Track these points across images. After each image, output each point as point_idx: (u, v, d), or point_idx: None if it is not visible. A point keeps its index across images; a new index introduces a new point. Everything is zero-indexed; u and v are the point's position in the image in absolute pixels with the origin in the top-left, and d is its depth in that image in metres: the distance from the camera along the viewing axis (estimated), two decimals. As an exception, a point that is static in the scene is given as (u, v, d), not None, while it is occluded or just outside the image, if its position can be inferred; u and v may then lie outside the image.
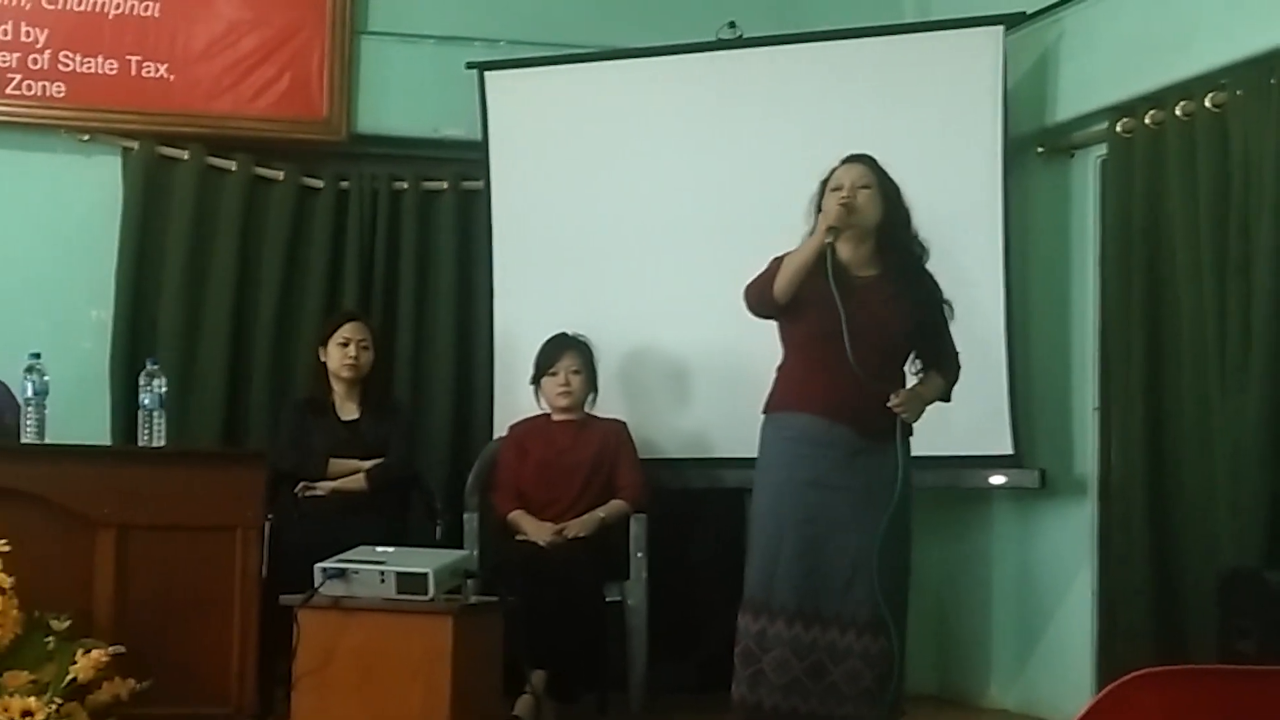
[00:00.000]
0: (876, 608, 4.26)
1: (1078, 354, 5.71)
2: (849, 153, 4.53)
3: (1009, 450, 5.58)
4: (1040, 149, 5.82)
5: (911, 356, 4.51)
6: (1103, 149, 5.57)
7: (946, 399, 4.57)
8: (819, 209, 4.46)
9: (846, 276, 4.34)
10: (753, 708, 4.32)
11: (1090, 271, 5.65)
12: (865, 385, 4.24)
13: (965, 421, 5.36)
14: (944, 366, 4.54)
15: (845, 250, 4.39)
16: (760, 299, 4.43)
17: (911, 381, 4.50)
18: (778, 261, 4.45)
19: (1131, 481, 5.25)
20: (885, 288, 4.40)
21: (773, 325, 4.51)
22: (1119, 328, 5.39)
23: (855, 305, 4.27)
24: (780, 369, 4.53)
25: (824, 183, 4.49)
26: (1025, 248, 5.79)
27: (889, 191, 4.46)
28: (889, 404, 4.33)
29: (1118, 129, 5.39)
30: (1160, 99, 5.24)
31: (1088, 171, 5.71)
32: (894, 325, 4.38)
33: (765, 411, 4.51)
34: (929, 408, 4.50)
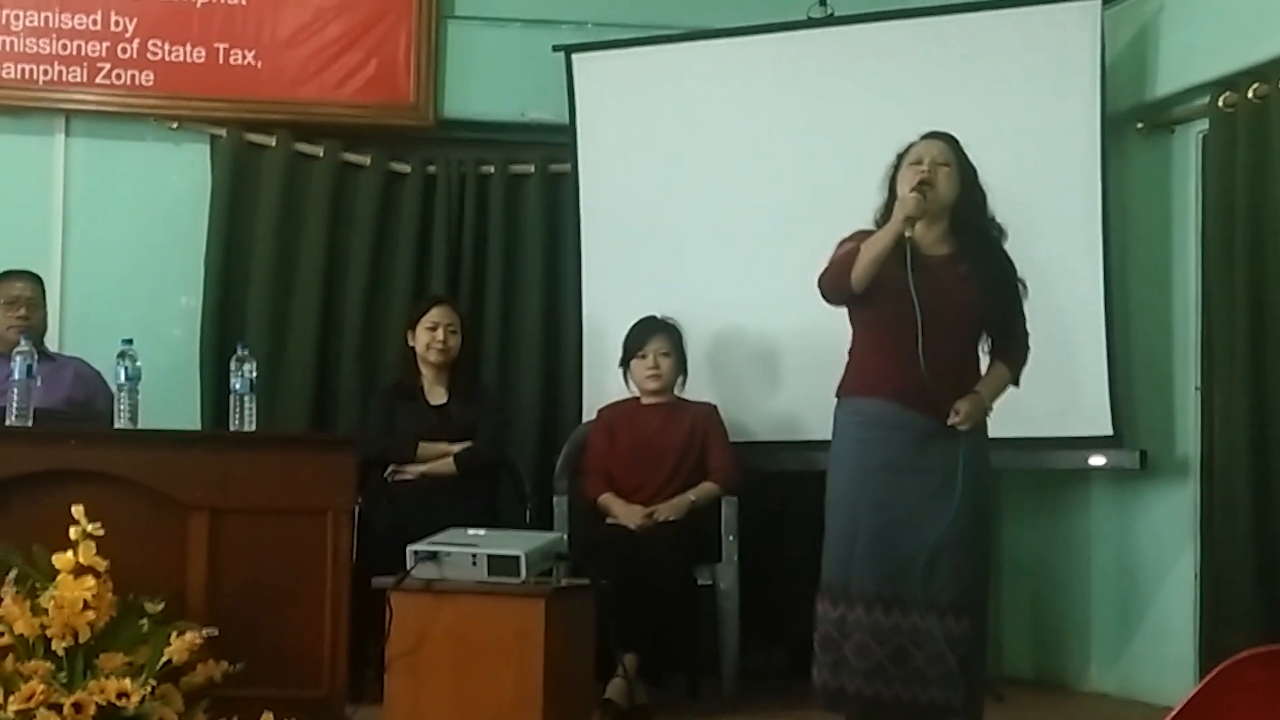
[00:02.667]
0: (957, 590, 4.22)
1: (1179, 333, 5.59)
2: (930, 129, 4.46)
3: (1109, 431, 5.47)
4: (1140, 125, 5.71)
5: (983, 336, 4.43)
6: (1204, 124, 5.46)
7: (1015, 385, 4.48)
8: (892, 182, 4.41)
9: (919, 256, 4.26)
10: (835, 694, 4.29)
11: (1191, 249, 5.54)
12: (929, 380, 4.17)
13: (1064, 402, 5.28)
14: (1012, 351, 4.45)
15: (918, 229, 4.31)
16: (836, 288, 4.37)
17: (983, 362, 4.42)
18: (845, 245, 4.39)
19: (1234, 462, 5.15)
20: (958, 266, 4.34)
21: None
22: (1221, 306, 5.27)
23: (928, 286, 4.20)
24: (851, 352, 4.48)
25: (900, 156, 4.43)
26: (1125, 225, 5.68)
27: (967, 172, 4.39)
28: (949, 421, 4.27)
29: (1220, 104, 5.27)
30: (1263, 73, 5.12)
31: (1189, 147, 5.59)
32: (967, 305, 4.31)
33: (838, 395, 4.47)
34: (1026, 388, 4.42)
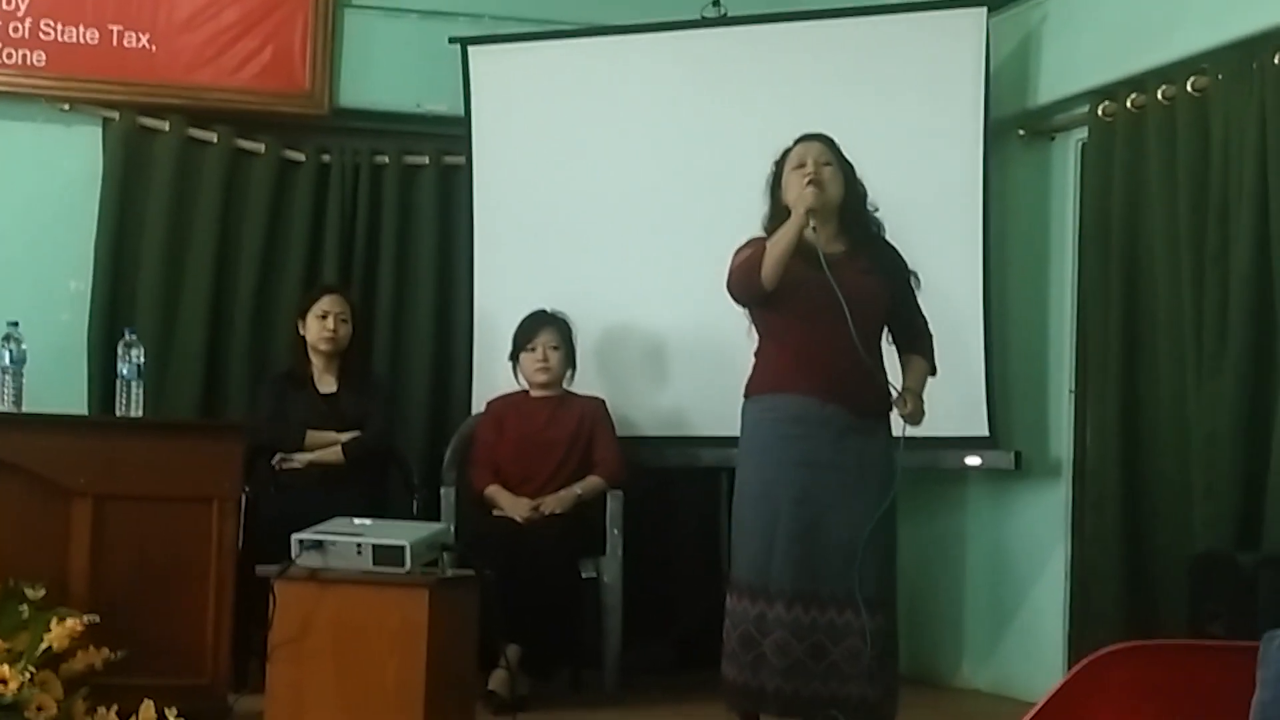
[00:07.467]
0: (874, 586, 4.27)
1: (1054, 337, 5.73)
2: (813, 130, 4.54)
3: (985, 432, 5.58)
4: (1021, 132, 5.83)
5: (885, 331, 4.51)
6: (1083, 132, 5.59)
7: (934, 373, 4.57)
8: (774, 189, 4.48)
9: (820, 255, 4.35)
10: (755, 692, 4.28)
11: (1068, 255, 5.67)
12: (869, 364, 4.26)
13: (941, 403, 5.34)
14: (921, 342, 4.55)
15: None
16: (748, 289, 4.39)
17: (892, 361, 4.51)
18: (746, 249, 4.44)
19: (1105, 464, 5.27)
20: (857, 261, 4.42)
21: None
22: (1096, 311, 5.40)
23: (837, 282, 4.27)
24: (759, 352, 4.51)
25: (779, 162, 4.51)
26: (1004, 230, 5.79)
27: (847, 169, 4.49)
28: (899, 412, 4.36)
29: (1099, 112, 5.40)
30: (1141, 83, 5.25)
31: (1068, 155, 5.72)
32: (872, 298, 4.39)
33: (748, 395, 4.49)
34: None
